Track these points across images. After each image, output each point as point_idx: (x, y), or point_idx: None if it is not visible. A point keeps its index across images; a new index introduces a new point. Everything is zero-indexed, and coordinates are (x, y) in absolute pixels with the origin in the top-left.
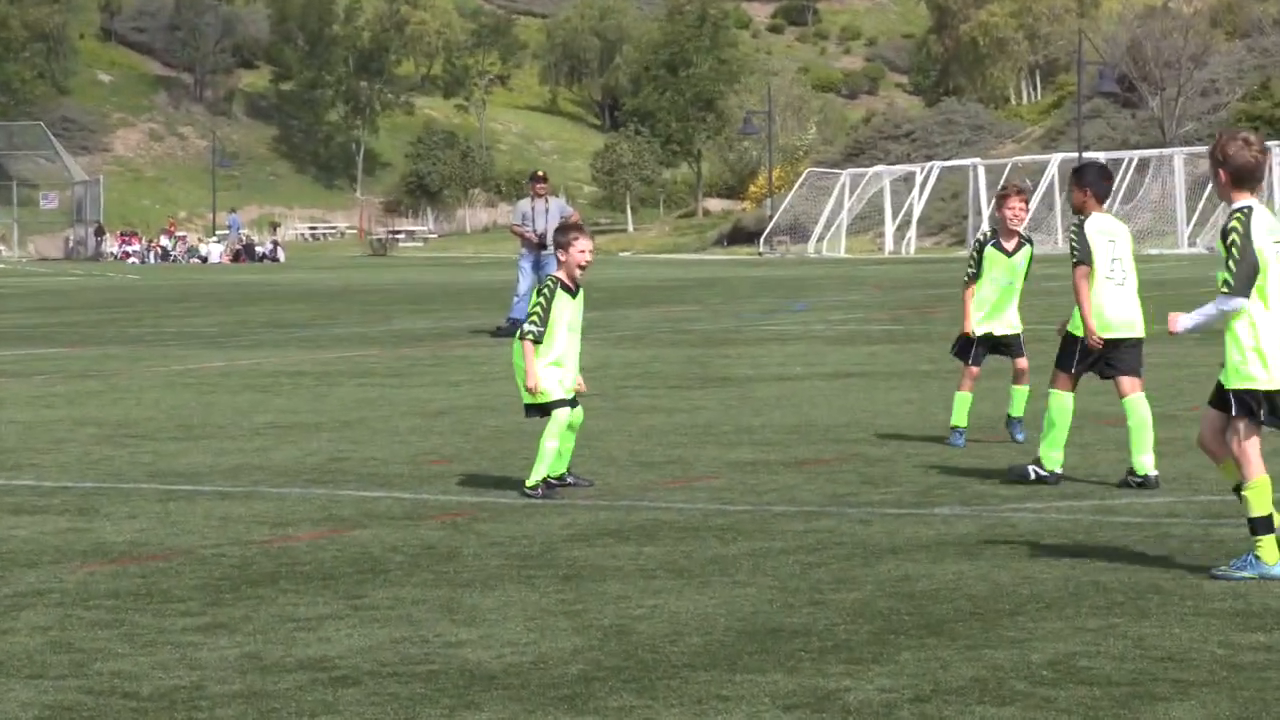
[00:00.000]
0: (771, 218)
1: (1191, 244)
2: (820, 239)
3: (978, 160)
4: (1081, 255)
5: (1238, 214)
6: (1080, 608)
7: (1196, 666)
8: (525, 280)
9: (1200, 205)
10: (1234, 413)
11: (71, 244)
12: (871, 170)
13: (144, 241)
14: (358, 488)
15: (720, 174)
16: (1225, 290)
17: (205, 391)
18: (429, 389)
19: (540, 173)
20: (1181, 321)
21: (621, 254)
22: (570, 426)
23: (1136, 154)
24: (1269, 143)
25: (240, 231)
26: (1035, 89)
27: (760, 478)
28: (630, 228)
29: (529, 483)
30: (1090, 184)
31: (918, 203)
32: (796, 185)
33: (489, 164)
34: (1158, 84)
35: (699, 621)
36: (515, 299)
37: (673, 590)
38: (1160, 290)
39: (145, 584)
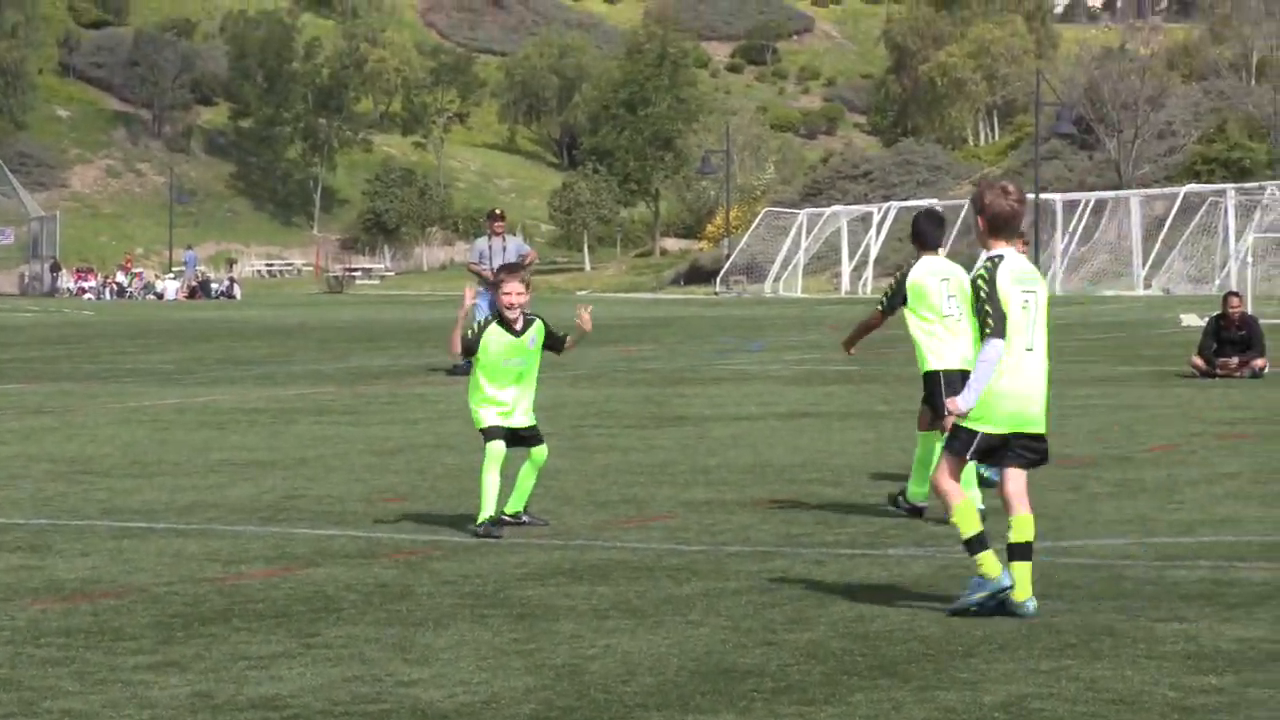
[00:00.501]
0: (728, 257)
1: (1147, 285)
2: (777, 279)
3: (935, 201)
4: (889, 305)
5: (988, 262)
6: (1033, 649)
7: (1148, 709)
8: (481, 319)
9: (1156, 247)
10: (945, 443)
11: (27, 280)
12: (829, 210)
13: (100, 277)
14: (312, 526)
15: (678, 213)
16: (985, 334)
17: (160, 428)
18: (385, 427)
19: (498, 211)
20: (961, 402)
21: (579, 293)
22: (533, 463)
23: (1093, 195)
24: (1224, 185)
25: (196, 268)
26: (993, 130)
27: (715, 517)
28: (588, 266)
29: (478, 519)
30: (913, 230)
31: (875, 243)
32: (754, 225)
33: (447, 202)
34: (1115, 126)
35: (652, 662)
36: None
37: (626, 630)
38: (1119, 331)
39: (97, 622)
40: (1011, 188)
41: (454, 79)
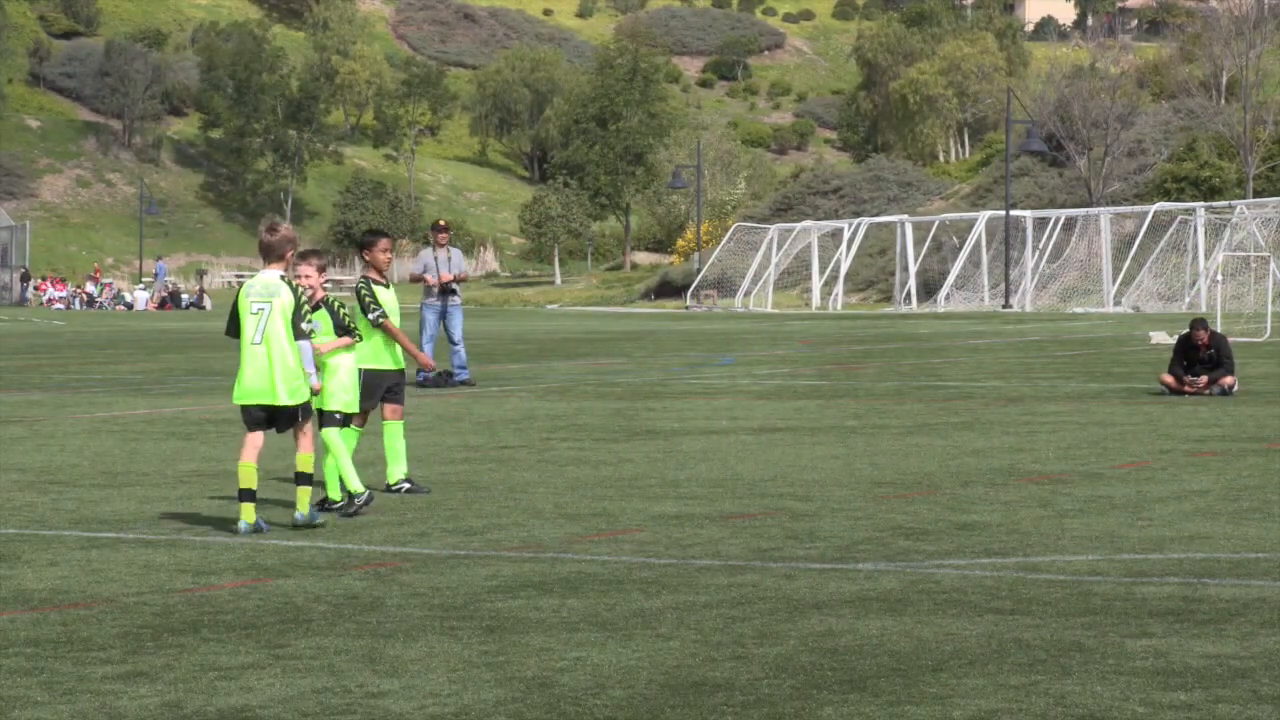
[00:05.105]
0: (699, 271)
1: (1117, 303)
2: (747, 293)
3: (905, 217)
4: (379, 313)
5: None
6: (1003, 665)
7: None
8: (428, 330)
9: (1126, 264)
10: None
11: None
12: (799, 225)
13: (70, 288)
14: (281, 537)
15: (648, 227)
16: None
17: (130, 439)
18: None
19: (442, 222)
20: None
21: (549, 306)
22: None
23: (1063, 213)
24: (1194, 204)
25: (166, 279)
26: (964, 147)
27: (685, 531)
28: (558, 280)
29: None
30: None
31: (845, 258)
32: (724, 239)
33: (417, 214)
34: (1085, 143)
35: (622, 674)
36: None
37: (596, 643)
38: (1089, 349)
39: (66, 631)
40: (278, 224)
41: (425, 92)
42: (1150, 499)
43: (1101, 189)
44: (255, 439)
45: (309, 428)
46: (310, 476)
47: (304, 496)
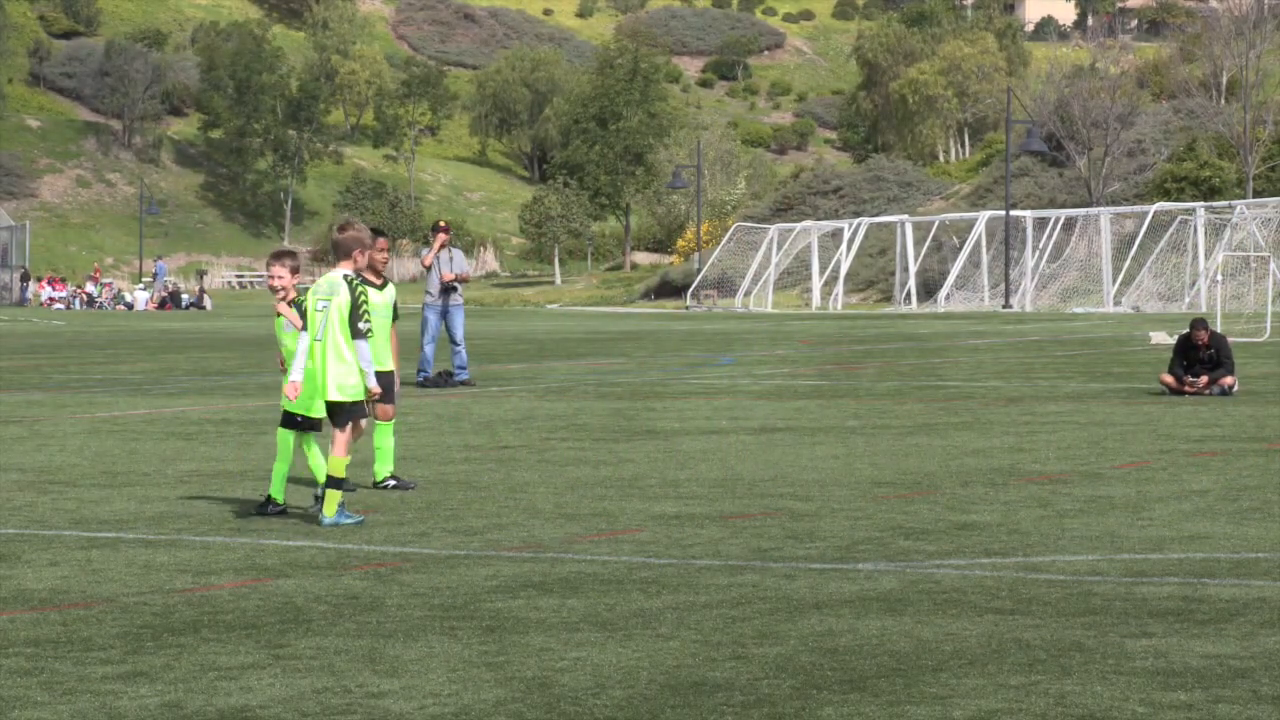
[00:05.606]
0: (699, 271)
1: (1117, 303)
2: (747, 293)
3: (905, 217)
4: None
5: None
6: (1003, 665)
7: None
8: (429, 330)
9: (1126, 264)
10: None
11: None
12: (800, 225)
13: (70, 288)
14: (281, 537)
15: (648, 227)
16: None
17: (129, 439)
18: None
19: (443, 223)
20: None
21: (549, 306)
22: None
23: (1063, 213)
24: (1194, 204)
25: (166, 279)
26: (964, 146)
27: (685, 531)
28: (558, 280)
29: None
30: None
31: (845, 258)
32: (725, 239)
33: (417, 214)
34: (1085, 143)
35: (622, 674)
36: (422, 348)
37: (596, 643)
38: (1089, 349)
39: (66, 631)
40: (348, 224)
41: (425, 92)
42: (1150, 499)
43: (1101, 189)
44: (339, 437)
45: (345, 433)
46: (341, 481)
47: (331, 500)
